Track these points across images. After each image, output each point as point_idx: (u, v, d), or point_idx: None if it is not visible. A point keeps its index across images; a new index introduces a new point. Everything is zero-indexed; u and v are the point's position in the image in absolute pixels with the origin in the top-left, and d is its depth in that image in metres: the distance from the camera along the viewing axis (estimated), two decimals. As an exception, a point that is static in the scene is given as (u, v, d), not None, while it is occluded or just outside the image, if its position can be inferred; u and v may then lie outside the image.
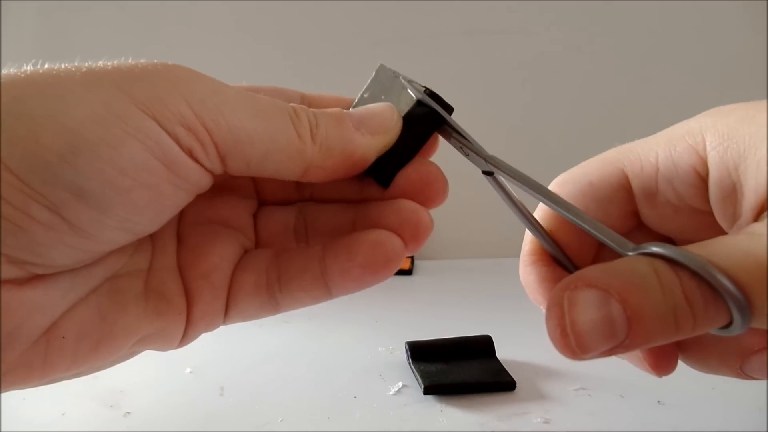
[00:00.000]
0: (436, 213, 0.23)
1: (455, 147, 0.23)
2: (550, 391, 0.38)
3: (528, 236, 0.25)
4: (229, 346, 0.46)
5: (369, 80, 0.24)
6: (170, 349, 0.22)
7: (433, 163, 0.23)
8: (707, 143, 0.20)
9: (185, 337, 0.22)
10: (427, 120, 0.23)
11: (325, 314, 0.53)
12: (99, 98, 0.16)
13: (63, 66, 0.17)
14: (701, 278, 0.16)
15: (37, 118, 0.16)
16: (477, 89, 0.73)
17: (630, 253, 0.18)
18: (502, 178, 0.22)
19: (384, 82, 0.23)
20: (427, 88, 0.23)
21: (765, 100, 0.20)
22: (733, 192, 0.19)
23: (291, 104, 0.20)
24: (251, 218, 0.24)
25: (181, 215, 0.23)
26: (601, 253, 0.25)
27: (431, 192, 0.22)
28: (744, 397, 0.27)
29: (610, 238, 0.19)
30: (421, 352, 0.41)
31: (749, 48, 0.71)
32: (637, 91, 0.74)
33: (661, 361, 0.23)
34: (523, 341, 0.45)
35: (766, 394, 0.35)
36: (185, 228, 0.22)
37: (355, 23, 0.71)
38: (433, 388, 0.37)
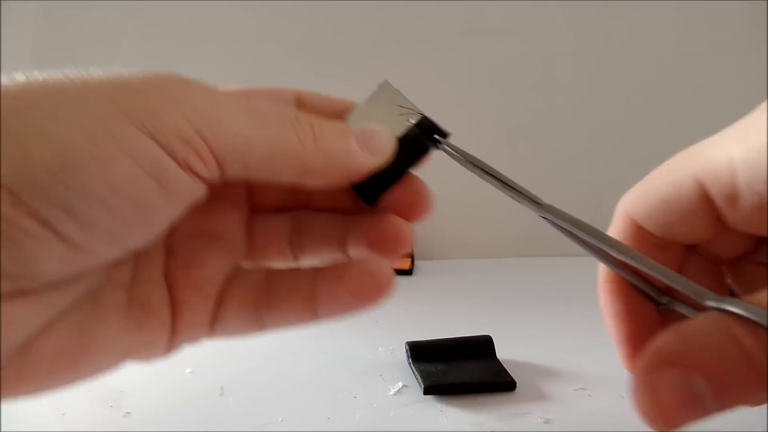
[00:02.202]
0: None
1: (507, 195, 0.22)
2: (550, 391, 0.38)
3: (601, 267, 0.25)
4: (229, 346, 0.46)
5: (371, 94, 0.24)
6: (152, 360, 0.22)
7: (419, 181, 0.23)
8: None
9: (170, 347, 0.22)
10: (418, 147, 0.23)
11: (325, 314, 0.53)
12: (92, 114, 0.16)
13: (58, 77, 0.17)
14: None
15: (29, 133, 0.16)
16: (477, 89, 0.73)
17: (710, 304, 0.17)
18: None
19: (384, 100, 0.24)
20: (423, 117, 0.23)
21: None
22: None
23: (295, 111, 0.20)
24: (243, 229, 0.24)
25: (172, 228, 0.22)
26: (684, 269, 0.24)
27: (416, 209, 0.23)
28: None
29: (684, 287, 0.18)
30: (421, 352, 0.41)
31: (749, 48, 0.71)
32: (638, 91, 0.74)
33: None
34: (523, 341, 0.45)
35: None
36: (176, 239, 0.22)
37: (355, 23, 0.71)
38: (433, 388, 0.37)
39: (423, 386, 0.37)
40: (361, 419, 0.35)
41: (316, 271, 0.22)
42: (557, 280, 0.62)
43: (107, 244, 0.18)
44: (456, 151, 0.22)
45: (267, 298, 0.22)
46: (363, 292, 0.21)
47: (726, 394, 0.16)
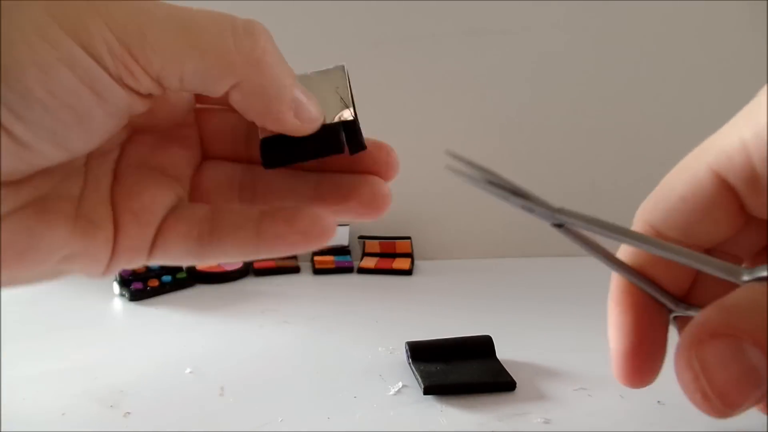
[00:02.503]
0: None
1: (516, 206, 0.21)
2: (550, 391, 0.38)
3: (614, 276, 0.24)
4: (229, 346, 0.46)
5: (321, 69, 0.24)
6: (95, 277, 0.23)
7: (383, 146, 0.24)
8: None
9: (110, 266, 0.23)
10: (332, 144, 0.23)
11: (326, 314, 0.53)
12: (31, 22, 0.17)
13: None
14: None
15: None
16: (477, 89, 0.73)
17: (745, 278, 0.16)
18: (575, 228, 0.21)
19: (331, 82, 0.24)
20: (353, 120, 0.23)
21: None
22: None
23: (234, 19, 0.20)
24: (191, 170, 0.25)
25: (121, 156, 0.23)
26: (702, 274, 0.23)
27: (388, 169, 0.24)
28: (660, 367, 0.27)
29: (716, 267, 0.17)
30: (421, 352, 0.41)
31: (749, 48, 0.71)
32: (638, 91, 0.74)
33: (639, 371, 0.22)
34: (523, 341, 0.45)
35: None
36: (123, 168, 0.23)
37: (355, 23, 0.71)
38: (433, 388, 0.37)
39: (423, 386, 0.37)
40: (361, 419, 0.35)
41: (262, 212, 0.23)
42: (557, 280, 0.62)
43: (51, 144, 0.19)
44: (470, 169, 0.22)
45: (210, 233, 0.23)
46: (313, 236, 0.22)
47: None
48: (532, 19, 0.72)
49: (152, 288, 0.59)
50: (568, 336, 0.47)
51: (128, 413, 0.36)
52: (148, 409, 0.37)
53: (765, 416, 0.33)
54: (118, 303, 0.57)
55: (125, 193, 0.23)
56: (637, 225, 0.23)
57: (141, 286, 0.59)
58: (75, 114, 0.18)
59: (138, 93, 0.19)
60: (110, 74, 0.18)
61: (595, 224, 0.20)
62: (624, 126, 0.74)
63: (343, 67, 0.24)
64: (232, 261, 0.24)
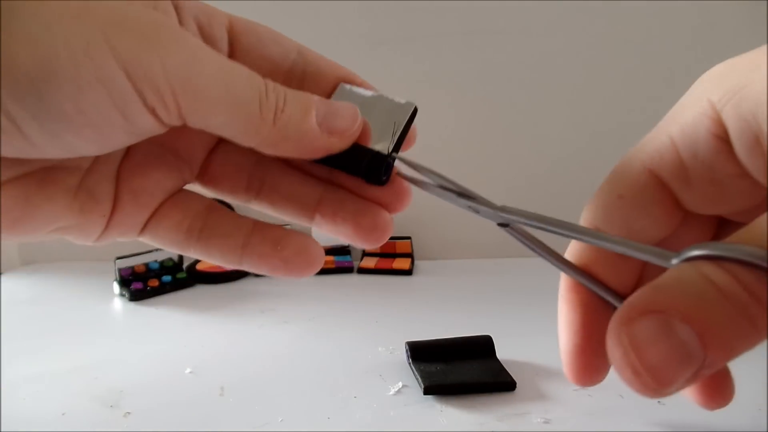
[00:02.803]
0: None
1: (463, 207, 0.22)
2: (550, 391, 0.38)
3: (564, 275, 0.24)
4: (229, 346, 0.46)
5: (398, 99, 0.24)
6: (83, 243, 0.23)
7: (402, 182, 0.23)
8: (715, 102, 0.19)
9: (100, 238, 0.23)
10: (356, 164, 0.23)
11: (326, 314, 0.53)
12: (82, 38, 0.17)
13: None
14: (757, 267, 0.14)
15: (21, 37, 0.16)
16: (477, 89, 0.73)
17: (674, 261, 0.16)
18: (520, 226, 0.21)
19: (391, 114, 0.23)
20: (386, 153, 0.23)
21: (761, 49, 0.19)
22: (757, 143, 0.18)
23: (266, 82, 0.21)
24: (204, 153, 0.25)
25: None
26: (646, 272, 0.24)
27: (398, 205, 0.23)
28: (744, 397, 0.27)
29: (648, 252, 0.17)
30: (421, 352, 0.41)
31: (749, 48, 0.71)
32: (638, 91, 0.74)
33: (714, 393, 0.22)
34: (523, 341, 0.45)
35: (766, 394, 0.35)
36: (137, 144, 0.23)
37: (355, 23, 0.71)
38: (433, 388, 0.37)
39: (423, 386, 0.37)
40: (361, 419, 0.35)
41: (256, 226, 0.23)
42: (557, 280, 0.62)
43: (61, 150, 0.19)
44: (410, 166, 0.23)
45: (200, 231, 0.23)
46: (294, 266, 0.22)
47: (711, 338, 0.14)
48: (532, 19, 0.72)
49: (152, 288, 0.59)
50: (568, 336, 0.47)
51: (128, 413, 0.36)
52: (148, 409, 0.37)
53: (765, 416, 0.33)
54: (118, 303, 0.57)
55: (131, 171, 0.23)
56: (582, 225, 0.24)
57: (141, 286, 0.59)
58: (98, 133, 0.18)
59: (162, 122, 0.19)
60: (145, 104, 0.18)
61: (537, 220, 0.20)
62: (624, 126, 0.74)
63: (415, 107, 0.23)
64: (212, 263, 0.24)
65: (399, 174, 0.23)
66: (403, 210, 0.24)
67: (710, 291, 0.15)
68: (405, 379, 0.40)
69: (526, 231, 0.22)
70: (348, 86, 0.24)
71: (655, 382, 0.15)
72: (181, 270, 0.63)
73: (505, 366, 0.40)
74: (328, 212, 0.23)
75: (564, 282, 0.25)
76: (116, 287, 0.59)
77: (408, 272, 0.66)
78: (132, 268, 0.61)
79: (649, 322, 0.15)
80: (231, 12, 0.23)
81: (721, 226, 0.24)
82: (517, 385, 0.38)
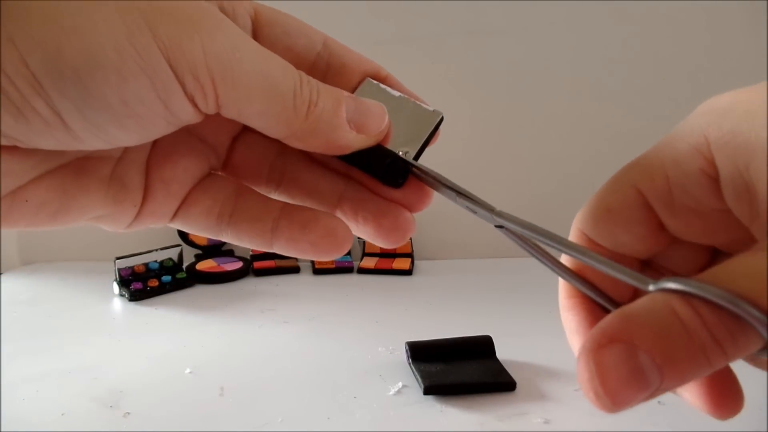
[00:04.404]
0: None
1: (461, 206, 0.22)
2: (550, 391, 0.38)
3: (561, 283, 0.25)
4: (229, 346, 0.46)
5: (425, 105, 0.24)
6: (117, 230, 0.23)
7: (424, 187, 0.24)
8: (711, 143, 0.20)
9: (132, 226, 0.23)
10: (377, 165, 0.23)
11: (326, 314, 0.53)
12: (125, 27, 0.17)
13: None
14: (723, 309, 0.15)
15: (65, 28, 0.17)
16: (477, 89, 0.73)
17: (651, 288, 0.17)
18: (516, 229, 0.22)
19: (422, 120, 0.23)
20: (413, 162, 0.23)
21: (763, 87, 0.19)
22: (746, 191, 0.19)
23: (301, 74, 0.21)
24: (229, 139, 0.25)
25: None
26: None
27: (420, 206, 0.24)
28: (744, 397, 0.27)
29: (628, 276, 0.18)
30: (421, 352, 0.41)
31: (749, 48, 0.71)
32: (638, 91, 0.74)
33: (723, 403, 0.23)
34: (523, 341, 0.45)
35: (766, 394, 0.35)
36: None
37: (355, 23, 0.71)
38: (433, 388, 0.37)
39: (423, 386, 0.37)
40: (361, 419, 0.35)
41: (284, 208, 0.23)
42: (557, 281, 0.62)
43: (102, 141, 0.19)
44: (417, 169, 0.23)
45: (230, 216, 0.23)
46: (322, 248, 0.22)
47: (669, 368, 0.16)
48: (532, 19, 0.72)
49: (152, 288, 0.59)
50: (568, 336, 0.47)
51: (128, 413, 0.36)
52: (148, 409, 0.37)
53: (765, 416, 0.33)
54: (118, 303, 0.57)
55: (160, 159, 0.23)
56: (572, 232, 0.24)
57: (141, 286, 0.59)
58: (139, 122, 0.19)
59: (199, 111, 0.20)
60: (185, 92, 0.18)
61: (530, 229, 0.21)
62: (624, 126, 0.74)
63: (441, 116, 0.24)
64: (243, 246, 0.24)
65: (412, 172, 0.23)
66: (424, 210, 0.24)
67: (675, 325, 0.16)
68: (405, 379, 0.40)
69: (522, 234, 0.22)
70: (375, 82, 0.24)
71: (612, 403, 0.16)
72: (181, 270, 0.63)
73: (505, 366, 0.40)
74: (349, 211, 0.24)
75: (562, 289, 0.25)
76: (116, 287, 0.59)
77: (408, 272, 0.67)
78: (132, 268, 0.61)
79: (615, 350, 0.16)
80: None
81: (716, 251, 0.24)
82: (517, 385, 0.38)
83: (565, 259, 0.24)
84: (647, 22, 0.72)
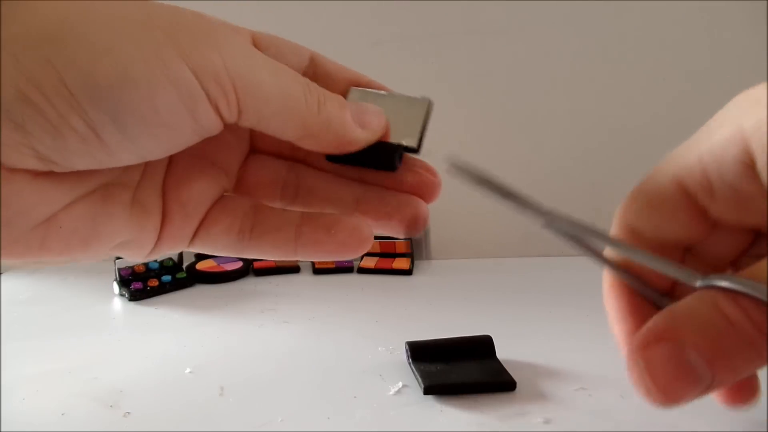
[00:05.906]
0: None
1: (509, 207, 0.23)
2: (550, 391, 0.38)
3: (606, 271, 0.26)
4: (229, 346, 0.46)
5: (410, 95, 0.25)
6: (139, 260, 0.25)
7: (431, 169, 0.25)
8: (746, 130, 0.20)
9: (154, 251, 0.24)
10: (387, 159, 0.24)
11: (326, 314, 0.53)
12: (151, 41, 0.19)
13: (127, 2, 0.20)
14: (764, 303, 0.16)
15: (97, 47, 0.18)
16: (477, 89, 0.73)
17: (698, 284, 0.18)
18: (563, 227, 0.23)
19: (412, 109, 0.25)
20: (415, 147, 0.24)
21: None
22: None
23: (306, 80, 0.22)
24: (239, 162, 0.26)
25: None
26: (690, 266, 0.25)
27: (431, 191, 0.25)
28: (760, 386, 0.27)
29: (675, 272, 0.20)
30: (421, 352, 0.41)
31: (749, 48, 0.71)
32: (638, 91, 0.74)
33: (737, 394, 0.23)
34: (523, 341, 0.45)
35: (766, 394, 0.35)
36: (178, 156, 0.24)
37: (355, 23, 0.71)
38: (433, 388, 0.37)
39: (423, 386, 0.37)
40: (361, 419, 0.35)
41: (303, 216, 0.24)
42: (557, 280, 0.62)
43: (133, 154, 0.20)
44: (463, 170, 0.24)
45: (251, 231, 0.24)
46: (350, 246, 0.24)
47: (718, 363, 0.17)
48: (532, 19, 0.72)
49: (152, 288, 0.59)
50: (569, 336, 0.47)
51: (128, 413, 0.36)
52: (148, 409, 0.37)
53: (765, 416, 0.33)
54: (118, 303, 0.57)
55: (175, 182, 0.24)
56: (615, 223, 0.25)
57: (141, 286, 0.59)
58: (168, 132, 0.20)
59: (222, 119, 0.21)
60: (209, 100, 0.20)
61: (580, 228, 0.22)
62: (624, 126, 0.74)
63: (430, 102, 0.25)
64: (268, 258, 0.25)
65: (453, 165, 0.24)
66: (437, 198, 0.25)
67: (721, 323, 0.17)
68: (405, 379, 0.40)
69: (569, 232, 0.23)
70: (359, 89, 0.25)
71: (664, 399, 0.17)
72: (181, 270, 0.63)
73: (505, 366, 0.40)
74: (369, 210, 0.25)
75: (606, 278, 0.26)
76: (116, 287, 0.59)
77: (408, 272, 0.66)
78: (132, 267, 0.61)
79: (663, 348, 0.17)
80: (234, 11, 0.24)
81: (758, 234, 0.25)
82: (517, 385, 0.38)
83: (608, 252, 0.25)
84: (647, 22, 0.72)
